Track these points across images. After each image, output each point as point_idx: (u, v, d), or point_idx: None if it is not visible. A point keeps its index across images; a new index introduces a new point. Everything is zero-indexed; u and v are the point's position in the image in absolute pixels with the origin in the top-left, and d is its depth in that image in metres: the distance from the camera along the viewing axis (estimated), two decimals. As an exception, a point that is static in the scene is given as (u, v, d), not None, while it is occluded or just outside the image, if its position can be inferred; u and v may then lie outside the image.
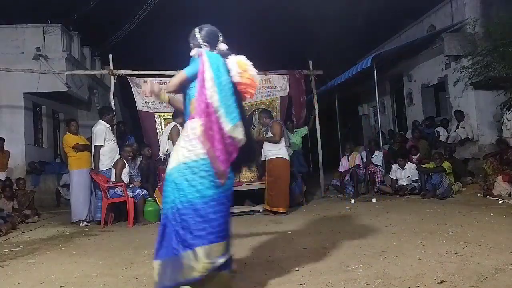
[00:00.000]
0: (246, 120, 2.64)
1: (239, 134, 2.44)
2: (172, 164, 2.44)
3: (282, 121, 7.51)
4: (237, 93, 2.53)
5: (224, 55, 2.58)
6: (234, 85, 2.51)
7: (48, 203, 9.02)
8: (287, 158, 6.12)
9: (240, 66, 2.56)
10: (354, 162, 8.09)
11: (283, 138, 6.10)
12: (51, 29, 10.33)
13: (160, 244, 2.42)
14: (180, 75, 2.52)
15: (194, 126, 2.40)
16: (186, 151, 2.39)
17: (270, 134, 6.13)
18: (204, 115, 2.37)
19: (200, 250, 2.29)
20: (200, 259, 2.28)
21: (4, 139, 8.38)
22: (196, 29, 2.69)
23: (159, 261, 2.36)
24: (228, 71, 2.50)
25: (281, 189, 6.00)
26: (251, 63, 2.63)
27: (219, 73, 2.45)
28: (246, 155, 2.56)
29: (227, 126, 2.38)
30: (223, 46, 2.66)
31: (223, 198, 2.49)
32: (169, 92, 2.64)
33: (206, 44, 2.63)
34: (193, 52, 2.63)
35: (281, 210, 5.98)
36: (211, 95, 2.38)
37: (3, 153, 8.38)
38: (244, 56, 2.64)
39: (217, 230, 2.41)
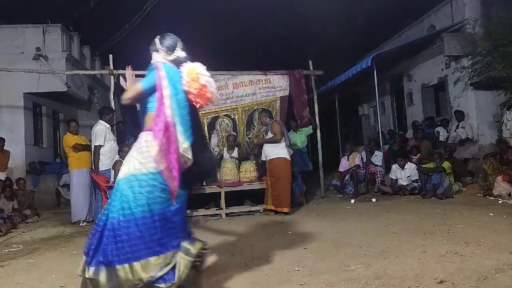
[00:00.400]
0: (201, 136, 2.61)
1: (189, 154, 2.46)
2: (122, 173, 2.43)
3: (283, 121, 7.52)
4: (192, 107, 2.53)
5: (180, 62, 2.61)
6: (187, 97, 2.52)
7: (48, 203, 9.02)
8: (288, 158, 6.12)
9: (189, 74, 2.51)
10: (354, 162, 8.09)
11: (284, 137, 6.10)
12: (51, 29, 10.34)
13: (96, 249, 2.31)
14: (135, 89, 2.51)
15: (148, 139, 2.40)
16: (137, 163, 2.38)
17: (270, 134, 6.13)
18: (162, 134, 2.36)
19: (137, 265, 2.26)
20: (137, 272, 2.25)
21: (4, 139, 8.38)
22: (158, 36, 2.70)
23: (93, 268, 2.27)
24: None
25: (283, 189, 5.99)
26: (205, 71, 2.58)
27: (177, 90, 2.47)
28: (201, 173, 2.57)
29: (183, 145, 2.42)
30: (181, 54, 2.66)
31: (169, 213, 2.41)
32: (124, 105, 2.62)
33: (163, 49, 2.63)
34: (153, 58, 2.64)
35: (285, 210, 5.97)
36: (170, 114, 2.40)
37: (3, 153, 8.38)
38: (200, 64, 2.62)
39: (156, 244, 2.32)
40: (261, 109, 7.36)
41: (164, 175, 2.37)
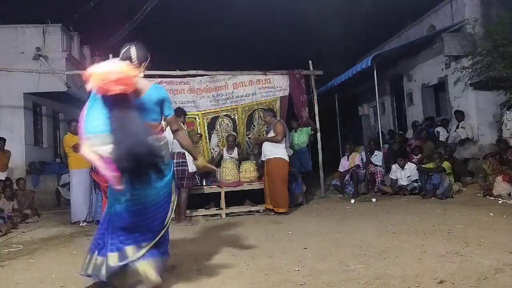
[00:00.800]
0: (126, 121, 2.49)
1: (101, 149, 2.43)
2: None
3: (283, 121, 7.52)
4: (111, 100, 2.49)
5: None
6: (104, 96, 2.52)
7: (48, 203, 9.02)
8: (286, 158, 6.12)
9: (94, 75, 2.52)
10: (354, 162, 8.09)
11: (284, 138, 6.10)
12: (51, 29, 10.33)
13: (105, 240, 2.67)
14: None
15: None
16: None
17: (272, 134, 6.13)
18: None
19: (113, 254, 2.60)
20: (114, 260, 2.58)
21: (5, 139, 8.36)
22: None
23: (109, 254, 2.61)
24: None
25: (278, 190, 5.99)
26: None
27: (90, 102, 2.64)
28: (138, 157, 2.43)
29: (98, 149, 2.45)
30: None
31: (131, 208, 2.62)
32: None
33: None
34: None
35: (281, 210, 5.98)
36: (82, 128, 2.58)
37: (4, 153, 8.38)
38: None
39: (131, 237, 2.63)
40: (262, 109, 7.36)
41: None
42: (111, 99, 2.50)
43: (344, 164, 8.35)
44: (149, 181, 2.62)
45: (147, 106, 2.70)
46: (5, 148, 8.44)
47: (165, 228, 2.73)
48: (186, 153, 5.60)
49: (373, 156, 8.21)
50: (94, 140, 2.46)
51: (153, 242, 2.64)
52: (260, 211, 6.34)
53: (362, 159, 8.23)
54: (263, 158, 6.26)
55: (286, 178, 6.12)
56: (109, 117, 2.48)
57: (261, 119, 7.29)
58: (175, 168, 5.63)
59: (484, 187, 6.67)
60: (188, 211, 6.31)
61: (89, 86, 2.55)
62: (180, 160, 5.61)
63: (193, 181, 5.74)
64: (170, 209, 2.76)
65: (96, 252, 2.68)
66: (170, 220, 2.77)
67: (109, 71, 2.48)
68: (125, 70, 2.54)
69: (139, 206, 2.61)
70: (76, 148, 6.27)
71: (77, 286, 3.03)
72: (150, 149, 2.46)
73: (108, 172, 2.41)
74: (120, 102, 2.49)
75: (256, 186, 6.50)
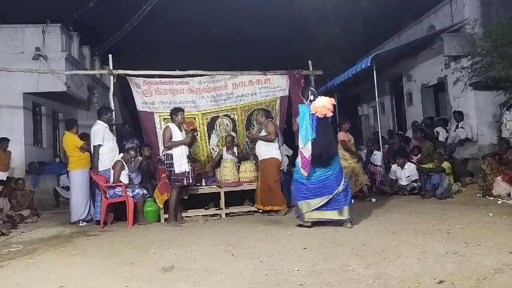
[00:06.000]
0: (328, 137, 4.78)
1: (306, 151, 4.71)
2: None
3: (283, 121, 7.53)
4: (320, 120, 4.66)
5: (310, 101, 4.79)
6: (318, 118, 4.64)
7: (48, 203, 9.02)
8: (279, 158, 6.16)
9: (314, 107, 4.62)
10: (354, 162, 8.09)
11: (277, 137, 6.12)
12: (50, 29, 10.32)
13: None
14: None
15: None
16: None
17: (263, 133, 6.15)
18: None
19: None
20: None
21: (8, 140, 8.31)
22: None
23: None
24: None
25: (272, 189, 6.00)
26: (321, 100, 4.65)
27: (304, 118, 4.74)
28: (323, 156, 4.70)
29: (302, 146, 4.71)
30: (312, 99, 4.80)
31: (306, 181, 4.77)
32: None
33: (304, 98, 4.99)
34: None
35: (279, 208, 5.98)
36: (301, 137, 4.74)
37: (6, 153, 8.36)
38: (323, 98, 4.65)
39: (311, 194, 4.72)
40: (262, 109, 7.35)
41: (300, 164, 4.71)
42: (319, 120, 4.57)
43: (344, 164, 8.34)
44: (330, 164, 4.67)
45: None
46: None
47: (337, 192, 4.62)
48: (174, 154, 5.64)
49: (372, 155, 8.22)
50: (308, 144, 4.56)
51: (331, 197, 4.62)
52: (260, 211, 6.34)
53: (361, 159, 8.23)
54: (260, 158, 6.25)
55: (277, 176, 6.16)
56: (316, 131, 4.59)
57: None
58: (166, 169, 5.71)
59: (483, 187, 6.67)
60: (188, 211, 6.32)
61: (319, 113, 4.53)
62: (169, 161, 5.67)
63: (180, 182, 5.67)
64: (342, 180, 4.70)
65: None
66: (343, 187, 4.66)
67: (327, 104, 4.52)
68: (331, 102, 4.54)
69: (324, 177, 4.65)
70: (83, 148, 6.28)
71: (77, 286, 3.04)
72: (334, 150, 4.82)
73: (306, 162, 4.57)
74: (323, 122, 4.61)
75: (256, 186, 6.50)
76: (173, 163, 5.64)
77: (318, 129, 4.55)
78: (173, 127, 5.77)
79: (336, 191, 4.62)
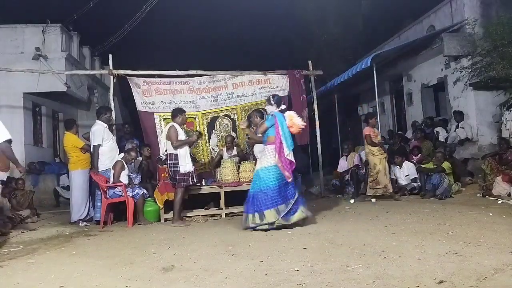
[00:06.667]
0: (296, 147, 5.20)
1: (291, 157, 4.97)
2: (259, 166, 5.00)
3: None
4: (291, 133, 5.08)
5: (283, 110, 5.23)
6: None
7: (48, 203, 9.01)
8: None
9: (289, 118, 5.08)
10: (353, 162, 8.10)
11: None
12: (50, 29, 10.31)
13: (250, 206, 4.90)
14: (263, 126, 5.19)
15: (272, 149, 4.93)
16: (267, 161, 4.93)
17: (260, 134, 6.10)
18: (279, 147, 4.96)
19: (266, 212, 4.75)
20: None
21: (11, 140, 8.27)
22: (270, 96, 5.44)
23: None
24: None
25: None
26: (296, 116, 5.14)
27: (283, 125, 4.99)
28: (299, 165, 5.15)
29: (287, 152, 4.90)
30: (282, 107, 5.34)
31: (282, 185, 4.90)
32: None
33: (274, 104, 5.28)
34: (269, 109, 5.38)
35: None
36: (281, 138, 4.99)
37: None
38: (292, 112, 5.27)
39: (278, 200, 4.82)
40: (262, 109, 7.34)
41: (279, 167, 4.81)
42: (292, 134, 4.98)
43: (343, 164, 8.35)
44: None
45: None
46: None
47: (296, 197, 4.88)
48: (179, 154, 5.62)
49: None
50: (290, 152, 4.87)
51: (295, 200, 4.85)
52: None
53: (361, 158, 8.24)
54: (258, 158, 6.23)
55: None
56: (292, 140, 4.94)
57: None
58: (169, 169, 5.66)
59: (483, 187, 6.67)
60: (188, 211, 6.32)
61: (294, 130, 5.01)
62: (173, 161, 5.62)
63: (185, 182, 5.67)
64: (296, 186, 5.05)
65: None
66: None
67: (297, 120, 5.04)
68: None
69: (285, 181, 4.84)
70: (84, 149, 6.28)
71: (76, 286, 3.04)
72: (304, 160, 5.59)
73: (290, 164, 4.85)
74: (293, 136, 5.03)
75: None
76: (178, 163, 5.60)
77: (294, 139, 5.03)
78: (177, 126, 5.76)
79: (296, 196, 4.89)
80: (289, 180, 4.80)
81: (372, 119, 7.24)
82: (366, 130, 7.14)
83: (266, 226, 4.72)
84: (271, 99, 5.27)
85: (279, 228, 4.70)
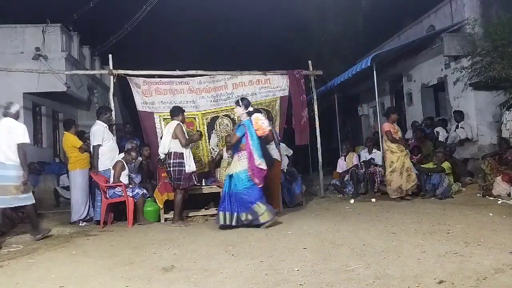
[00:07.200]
0: (267, 152, 5.46)
1: (263, 165, 5.23)
2: (235, 171, 5.17)
3: (283, 121, 7.53)
4: (260, 138, 5.31)
5: (250, 113, 5.42)
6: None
7: (48, 203, 9.00)
8: (278, 158, 6.13)
9: (256, 121, 5.29)
10: (352, 162, 8.10)
11: (274, 138, 6.10)
12: (50, 29, 10.31)
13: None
14: (236, 136, 5.32)
15: (244, 155, 5.19)
16: (241, 166, 5.17)
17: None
18: (249, 153, 5.22)
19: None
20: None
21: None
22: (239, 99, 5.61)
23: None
24: None
25: (271, 189, 5.97)
26: (262, 117, 5.41)
27: (252, 131, 5.25)
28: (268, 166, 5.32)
29: (258, 159, 5.13)
30: (250, 109, 5.46)
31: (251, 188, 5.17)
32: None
33: (243, 106, 5.48)
34: (237, 112, 5.66)
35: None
36: (251, 145, 5.25)
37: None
38: (259, 113, 5.53)
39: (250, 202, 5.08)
40: (262, 109, 7.34)
41: (249, 175, 5.07)
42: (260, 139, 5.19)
43: (342, 164, 8.36)
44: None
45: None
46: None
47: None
48: (184, 153, 5.59)
49: (371, 153, 8.23)
50: (261, 158, 5.07)
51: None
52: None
53: (360, 158, 8.25)
54: None
55: (279, 177, 6.13)
56: (261, 147, 5.17)
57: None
58: (172, 168, 5.61)
59: (483, 187, 6.67)
60: (188, 211, 6.32)
61: (260, 133, 5.16)
62: (177, 160, 5.57)
63: (189, 182, 5.66)
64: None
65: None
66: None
67: (263, 123, 5.21)
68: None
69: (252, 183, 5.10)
70: (82, 149, 6.27)
71: (77, 286, 3.04)
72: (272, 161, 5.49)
73: (260, 172, 5.06)
74: (262, 140, 5.23)
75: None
76: (183, 163, 5.57)
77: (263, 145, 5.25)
78: (182, 125, 5.76)
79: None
80: (259, 186, 5.06)
81: (392, 115, 6.96)
82: (386, 126, 6.86)
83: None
84: (240, 102, 5.35)
85: (245, 225, 4.98)
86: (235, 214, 5.03)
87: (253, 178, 5.06)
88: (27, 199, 4.95)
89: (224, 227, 5.04)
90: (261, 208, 4.99)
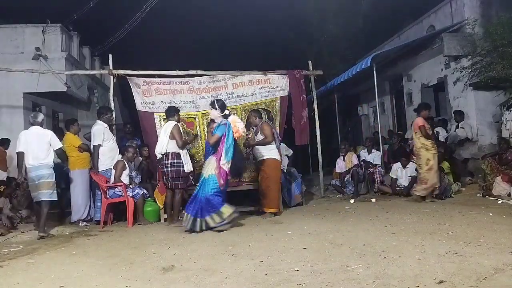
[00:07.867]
0: (239, 155, 5.74)
1: (226, 167, 5.16)
2: (206, 174, 5.09)
3: (283, 121, 7.52)
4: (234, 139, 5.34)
5: (226, 115, 5.37)
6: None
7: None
8: (278, 158, 6.12)
9: (233, 123, 5.32)
10: (351, 162, 8.10)
11: (274, 138, 6.10)
12: (50, 29, 10.31)
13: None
14: (216, 136, 5.17)
15: (215, 159, 5.12)
16: (211, 169, 5.10)
17: (260, 136, 6.09)
18: (218, 157, 5.18)
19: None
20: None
21: (10, 140, 8.29)
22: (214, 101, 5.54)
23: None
24: None
25: (271, 190, 5.98)
26: (238, 119, 5.59)
27: (229, 134, 5.22)
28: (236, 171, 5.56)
29: (224, 162, 5.08)
30: (226, 112, 5.44)
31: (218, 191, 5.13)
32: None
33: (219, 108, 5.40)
34: (213, 114, 5.56)
35: (271, 210, 5.95)
36: (221, 148, 5.21)
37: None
38: (234, 115, 5.79)
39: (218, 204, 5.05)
40: (262, 109, 7.34)
41: (215, 175, 5.02)
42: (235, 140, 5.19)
43: (340, 164, 8.36)
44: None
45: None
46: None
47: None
48: (182, 153, 5.61)
49: (371, 153, 8.23)
50: (227, 160, 5.03)
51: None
52: (260, 211, 6.33)
53: (359, 158, 8.25)
54: (258, 159, 6.24)
55: (278, 177, 6.13)
56: (234, 151, 5.14)
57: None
58: (169, 169, 5.61)
59: (483, 187, 6.67)
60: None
61: (237, 135, 5.26)
62: (175, 160, 5.59)
63: (187, 181, 5.67)
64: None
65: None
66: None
67: (239, 125, 5.33)
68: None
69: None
70: (81, 148, 6.28)
71: (77, 286, 3.04)
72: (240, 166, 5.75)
73: (224, 175, 5.03)
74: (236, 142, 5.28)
75: (256, 186, 6.49)
76: (181, 162, 5.60)
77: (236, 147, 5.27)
78: (180, 125, 5.80)
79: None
80: (221, 188, 5.03)
81: (424, 111, 6.54)
82: (420, 121, 6.39)
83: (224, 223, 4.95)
84: (216, 104, 5.26)
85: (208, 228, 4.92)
86: (198, 219, 4.92)
87: (219, 178, 4.99)
88: (53, 195, 5.42)
89: (190, 231, 4.95)
90: (228, 209, 4.98)
